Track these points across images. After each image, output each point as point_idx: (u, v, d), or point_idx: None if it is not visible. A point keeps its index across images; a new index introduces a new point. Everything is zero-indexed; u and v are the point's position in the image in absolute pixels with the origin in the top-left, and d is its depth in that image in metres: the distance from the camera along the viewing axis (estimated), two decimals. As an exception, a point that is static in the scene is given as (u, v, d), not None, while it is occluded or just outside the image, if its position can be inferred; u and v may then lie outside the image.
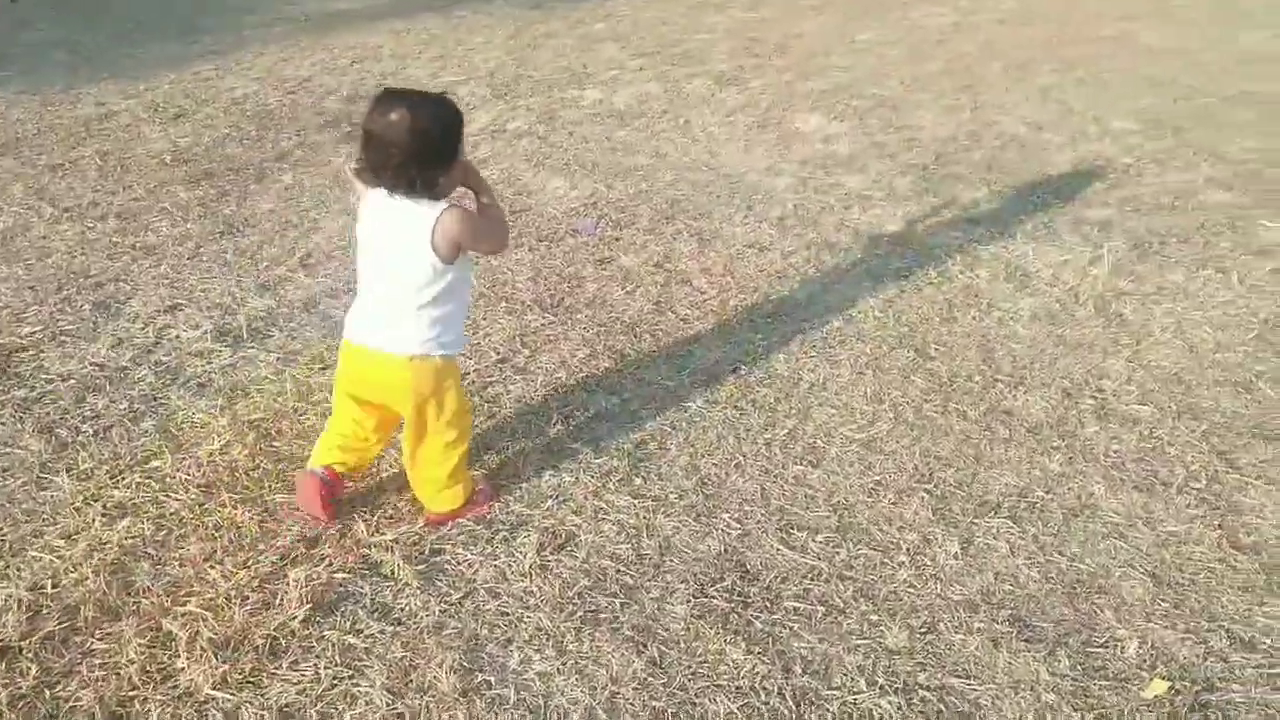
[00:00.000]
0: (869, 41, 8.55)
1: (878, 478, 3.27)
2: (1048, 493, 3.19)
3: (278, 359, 3.91)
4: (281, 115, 6.80)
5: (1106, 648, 2.63)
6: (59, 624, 2.68)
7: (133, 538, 3.00)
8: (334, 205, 5.34)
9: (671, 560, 2.93)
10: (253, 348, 3.99)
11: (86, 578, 2.84)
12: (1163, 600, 2.78)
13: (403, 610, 2.75)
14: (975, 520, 3.07)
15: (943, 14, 9.54)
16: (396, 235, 2.65)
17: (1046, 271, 4.57)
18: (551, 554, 2.95)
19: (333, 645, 2.62)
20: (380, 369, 2.81)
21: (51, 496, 3.16)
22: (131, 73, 7.67)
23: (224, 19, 9.36)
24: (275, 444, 3.42)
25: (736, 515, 3.11)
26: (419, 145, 2.50)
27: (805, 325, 4.16)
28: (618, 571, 2.89)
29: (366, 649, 2.62)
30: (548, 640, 2.66)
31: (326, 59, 8.09)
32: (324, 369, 3.84)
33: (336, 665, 2.57)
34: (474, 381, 3.75)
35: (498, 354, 3.95)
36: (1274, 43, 8.34)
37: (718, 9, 9.77)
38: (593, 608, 2.77)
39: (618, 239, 4.97)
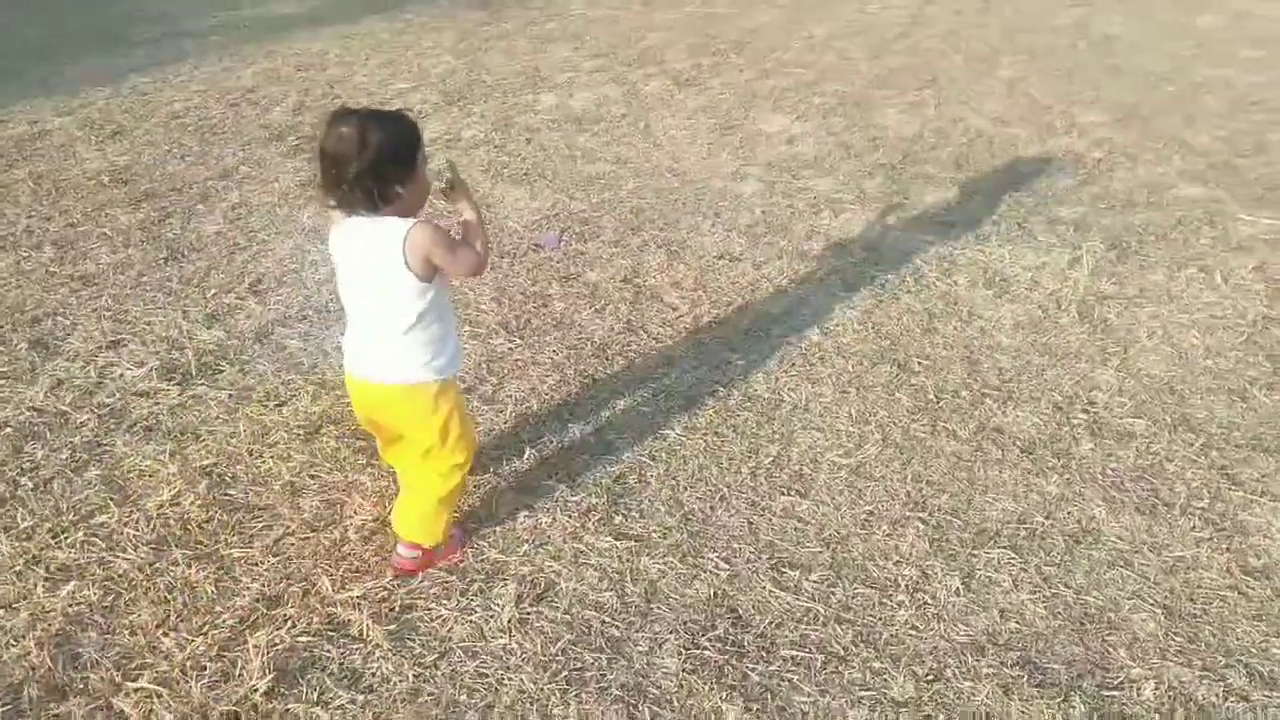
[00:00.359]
0: (826, 36, 8.41)
1: (869, 507, 3.11)
2: (1047, 518, 3.05)
3: (229, 397, 3.69)
4: (225, 129, 6.53)
5: (1122, 689, 2.50)
6: (1, 707, 2.46)
7: (78, 604, 2.79)
8: (284, 225, 5.11)
9: (659, 608, 2.76)
10: (202, 385, 3.76)
11: (30, 651, 2.63)
12: (1176, 634, 2.65)
13: (374, 676, 2.57)
14: (974, 551, 2.93)
15: (899, 5, 9.42)
16: (368, 257, 2.52)
17: (1025, 276, 4.45)
18: (531, 605, 2.77)
19: (299, 722, 2.43)
20: (382, 399, 2.69)
21: (-13, 562, 2.94)
22: (65, 88, 7.35)
23: (160, 28, 9.04)
24: (230, 492, 3.21)
25: (724, 554, 2.94)
26: (372, 158, 2.38)
27: (783, 341, 4.00)
28: (602, 623, 2.71)
29: (336, 725, 2.43)
30: (531, 705, 2.49)
31: (270, 68, 7.82)
32: (279, 405, 3.63)
33: (304, 746, 2.37)
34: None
35: (464, 383, 3.75)
36: (1232, 27, 8.30)
37: (670, 5, 9.59)
38: (578, 665, 2.59)
39: (583, 253, 4.78)
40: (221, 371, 3.86)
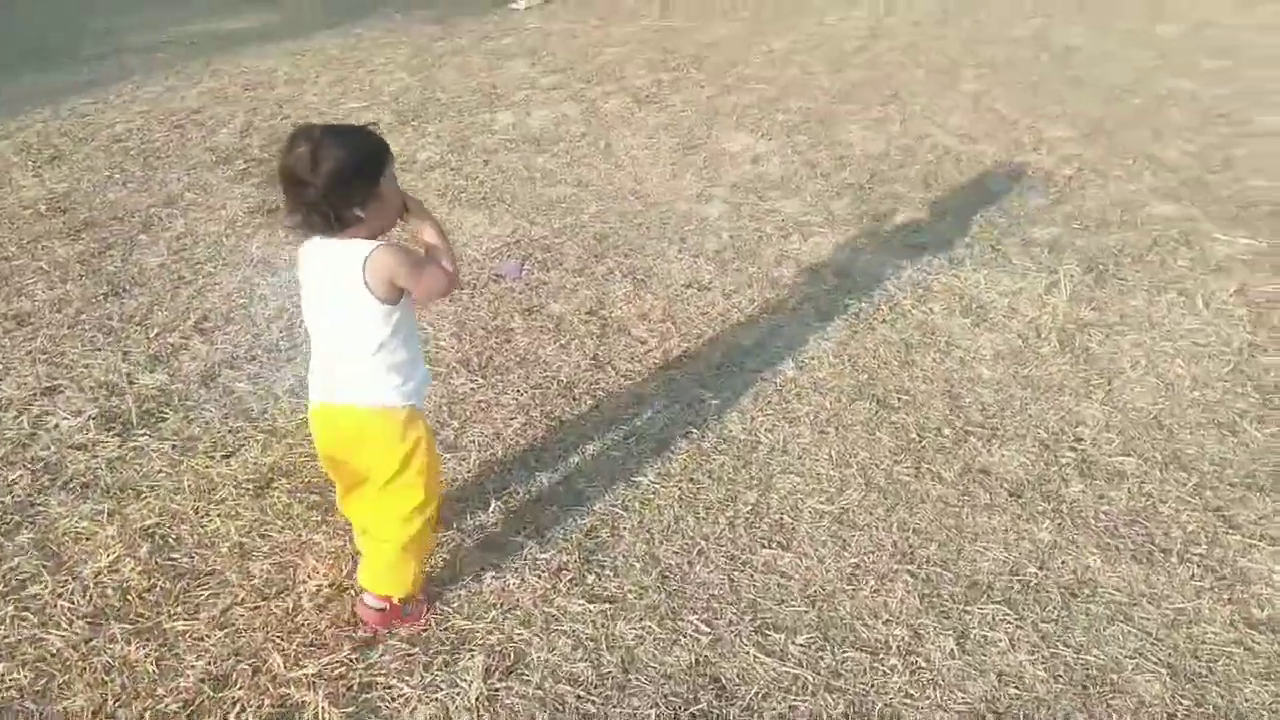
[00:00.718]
0: (786, 50, 8.28)
1: (855, 559, 2.95)
2: (1041, 568, 2.91)
3: (173, 448, 3.47)
4: (169, 153, 6.29)
5: (1133, 761, 2.35)
6: (-84, 815, 2.24)
7: (8, 688, 2.57)
8: (231, 256, 4.89)
9: (637, 679, 2.58)
10: (144, 435, 3.54)
11: (-48, 747, 2.40)
12: (1183, 697, 2.51)
13: (331, 766, 2.36)
14: (967, 607, 2.78)
15: (858, 17, 9.33)
16: (328, 279, 2.41)
17: (1002, 302, 4.32)
18: (500, 680, 2.58)
19: (250, 827, 2.22)
20: (349, 425, 2.52)
21: (-94, 645, 2.70)
22: (2, 109, 7.06)
23: (104, 45, 8.74)
24: (173, 556, 2.99)
25: (704, 615, 2.77)
26: (328, 178, 2.26)
27: (756, 376, 3.84)
28: (578, 698, 2.53)
29: (290, 828, 2.22)
30: (504, 796, 2.29)
31: (216, 87, 7.57)
32: (227, 457, 3.42)
33: None
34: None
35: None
36: (1192, 37, 8.27)
37: (629, 18, 9.43)
38: (553, 748, 2.41)
39: (545, 282, 4.60)
40: (165, 419, 3.63)
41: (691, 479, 3.30)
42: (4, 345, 4.13)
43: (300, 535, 3.07)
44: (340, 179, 2.27)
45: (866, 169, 5.83)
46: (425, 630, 2.73)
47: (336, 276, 2.38)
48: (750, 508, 3.17)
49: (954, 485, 3.25)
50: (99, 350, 4.08)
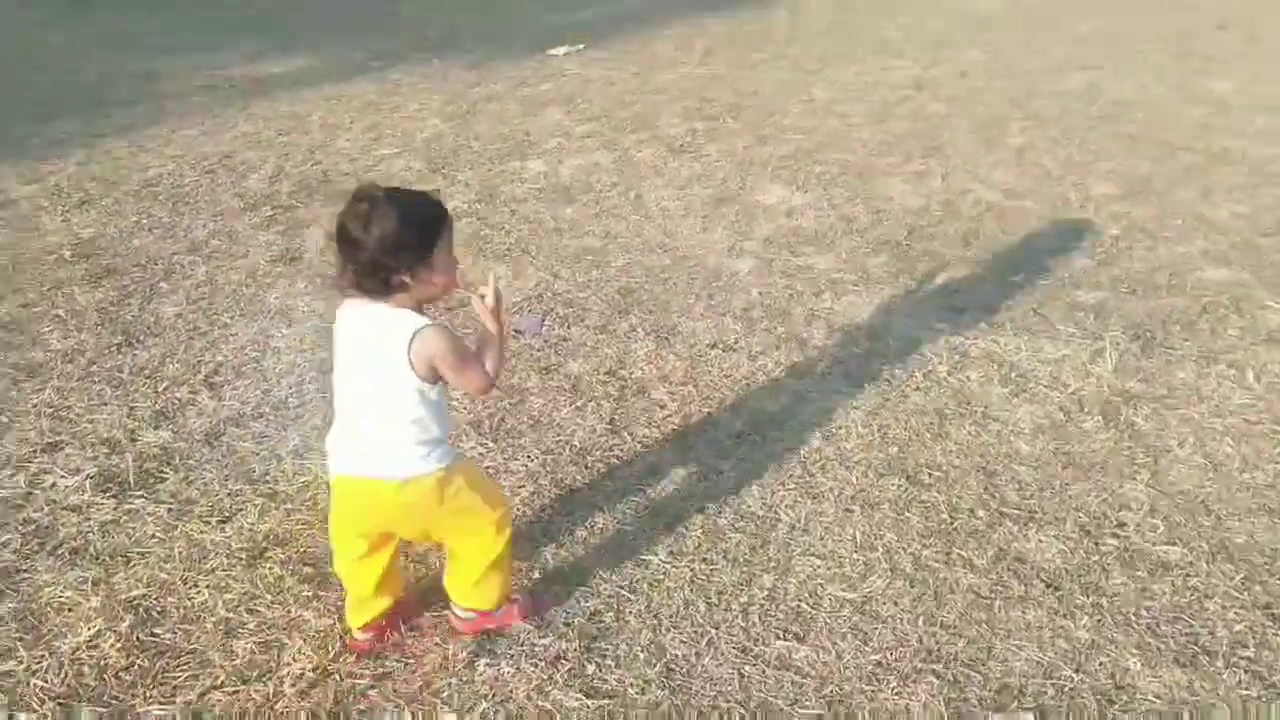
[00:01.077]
0: (827, 100, 8.14)
1: (877, 656, 2.75)
2: (1077, 670, 2.69)
3: (169, 512, 3.34)
4: (198, 198, 6.24)
5: None
6: None
7: (-31, 774, 2.41)
8: (249, 306, 4.79)
9: (634, 786, 2.38)
10: (140, 497, 3.41)
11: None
12: (1235, 826, 2.27)
13: None
14: (995, 715, 2.55)
15: (902, 67, 9.16)
16: (371, 344, 2.38)
17: (1044, 371, 4.10)
18: (487, 783, 2.39)
19: None
20: (378, 499, 2.50)
21: None
22: (36, 153, 7.07)
23: (141, 88, 8.77)
24: (156, 631, 2.85)
25: (710, 717, 2.56)
26: (377, 243, 2.24)
27: (779, 446, 3.65)
28: (569, 807, 2.33)
29: None
30: None
31: (250, 131, 7.54)
32: (223, 522, 3.28)
33: None
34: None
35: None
36: (1245, 93, 8.02)
37: (668, 65, 9.34)
38: None
39: (565, 339, 4.45)
40: (164, 480, 3.51)
41: (705, 559, 3.11)
42: (11, 397, 4.04)
43: (289, 611, 2.91)
44: (393, 243, 2.24)
45: (904, 225, 5.64)
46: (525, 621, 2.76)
47: (378, 342, 2.35)
48: (766, 593, 2.97)
49: (986, 574, 3.03)
50: (105, 405, 3.98)
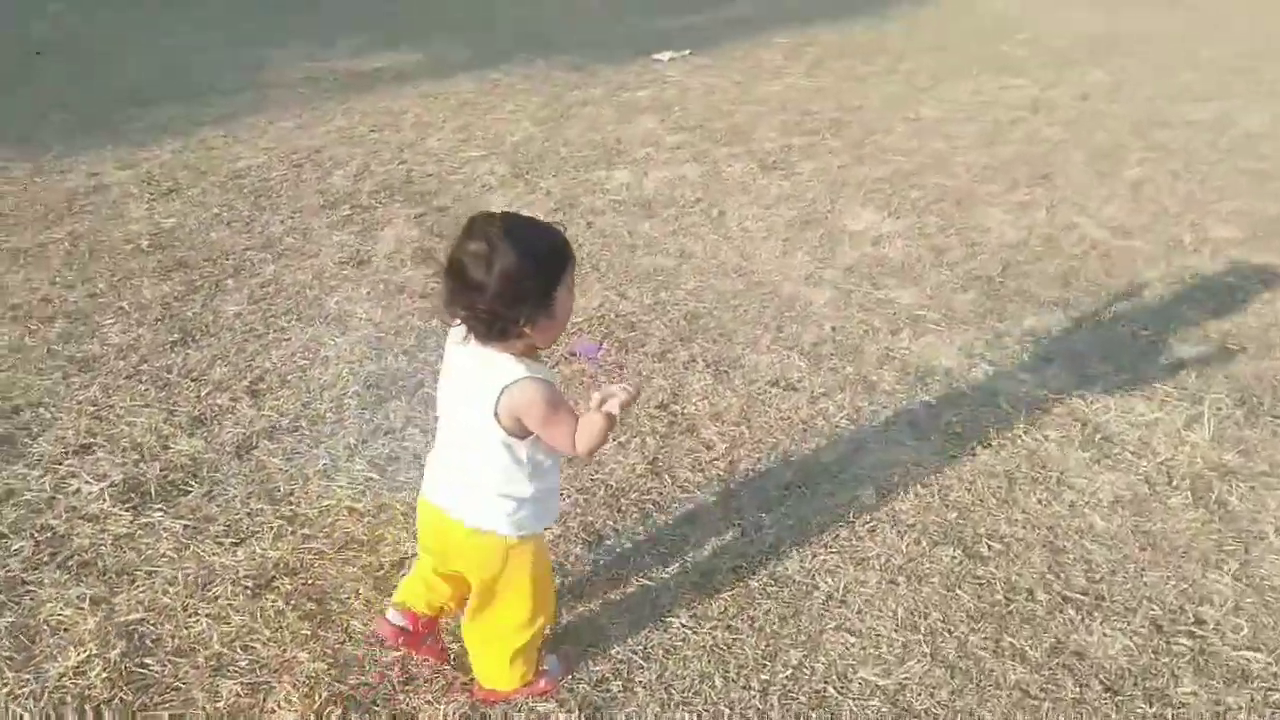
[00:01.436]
0: (934, 119, 7.77)
1: (902, 757, 2.48)
2: (1130, 796, 2.38)
3: (185, 528, 3.24)
4: (281, 193, 6.21)
5: None
6: None
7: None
8: (309, 309, 4.71)
9: None
10: (159, 510, 3.32)
11: None
12: None
13: None
14: (1030, 841, 2.27)
15: (1020, 86, 8.73)
16: (471, 382, 2.21)
17: (1132, 435, 3.75)
18: None
19: None
20: (447, 533, 2.40)
21: None
22: (135, 138, 7.15)
23: (246, 78, 8.83)
24: (146, 661, 2.74)
25: (710, 810, 2.34)
26: (496, 289, 2.03)
27: (829, 502, 3.40)
28: None
29: None
30: None
31: (345, 126, 7.52)
32: (236, 545, 3.17)
33: None
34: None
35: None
36: (1396, 131, 7.40)
37: (773, 75, 9.06)
38: None
39: (622, 366, 4.25)
40: (187, 493, 3.42)
41: (730, 626, 2.88)
42: (59, 392, 4.01)
43: (284, 651, 2.77)
44: (512, 294, 2.04)
45: (999, 260, 5.30)
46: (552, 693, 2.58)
47: (476, 383, 2.18)
48: (790, 671, 2.73)
49: (1039, 669, 2.73)
50: (147, 407, 3.92)
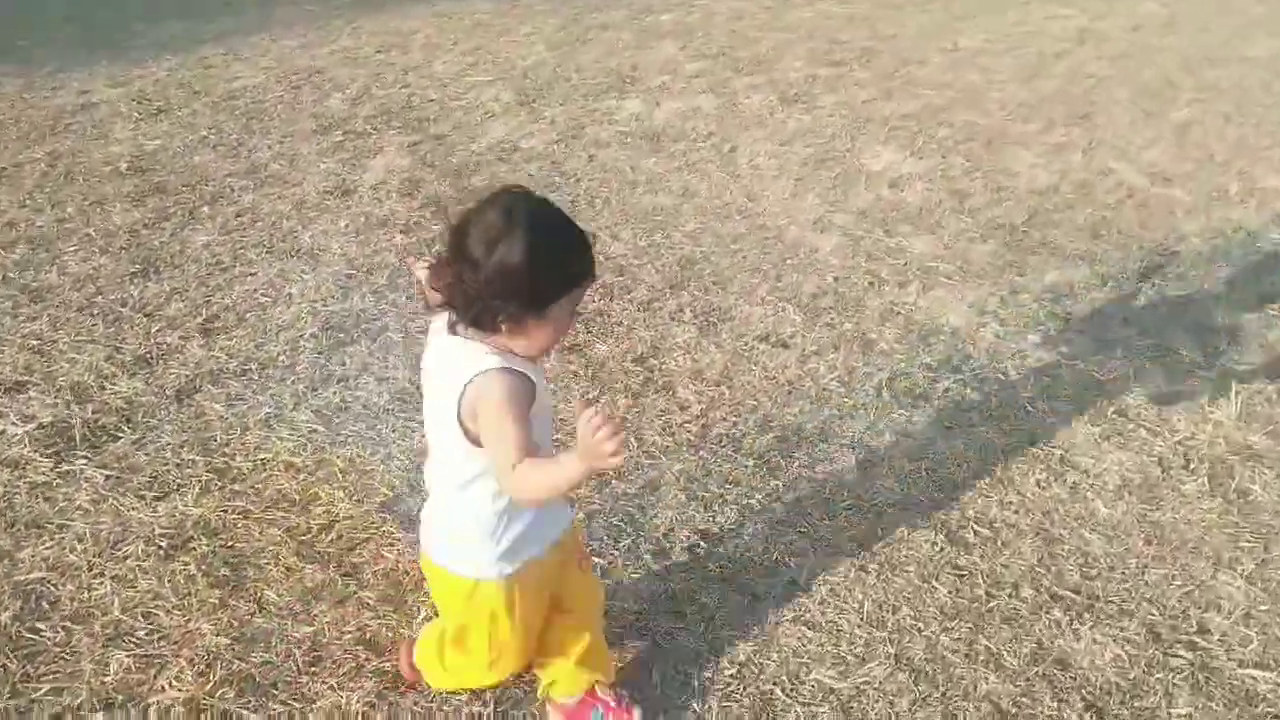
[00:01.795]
0: (973, 50, 7.29)
1: (847, 777, 2.21)
2: (1102, 835, 2.10)
3: (107, 479, 3.02)
4: (274, 115, 5.92)
5: None
6: None
7: None
8: (281, 243, 4.45)
9: None
10: (83, 458, 3.10)
11: None
12: None
13: None
14: None
15: (1068, 15, 8.19)
16: (435, 385, 1.92)
17: (1150, 410, 3.42)
18: None
19: None
20: (426, 564, 2.14)
21: None
22: (133, 55, 6.88)
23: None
24: (39, 626, 2.54)
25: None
26: (494, 269, 1.73)
27: (803, 476, 3.11)
28: None
29: None
30: None
31: (350, 46, 7.19)
32: (158, 499, 2.95)
33: None
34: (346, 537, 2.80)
35: (391, 490, 2.99)
36: None
37: (805, 1, 8.57)
38: None
39: (603, 314, 3.96)
40: (117, 439, 3.20)
41: (678, 611, 2.62)
42: (4, 324, 3.80)
43: (188, 620, 2.56)
44: (511, 284, 1.74)
45: (1026, 207, 4.91)
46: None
47: (446, 378, 1.86)
48: (736, 669, 2.46)
49: (1015, 678, 2.45)
50: (92, 343, 3.70)
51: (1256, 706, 2.39)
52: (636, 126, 5.82)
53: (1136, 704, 2.39)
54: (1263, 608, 2.66)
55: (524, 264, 1.72)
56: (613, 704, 2.27)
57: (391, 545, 2.79)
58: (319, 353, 3.65)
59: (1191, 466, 3.16)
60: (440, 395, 1.86)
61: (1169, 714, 2.37)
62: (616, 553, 2.81)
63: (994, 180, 5.20)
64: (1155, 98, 6.36)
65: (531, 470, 1.72)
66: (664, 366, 3.63)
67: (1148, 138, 5.75)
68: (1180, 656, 2.52)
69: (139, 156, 5.33)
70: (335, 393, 3.45)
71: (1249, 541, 2.88)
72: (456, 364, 1.83)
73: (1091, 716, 2.36)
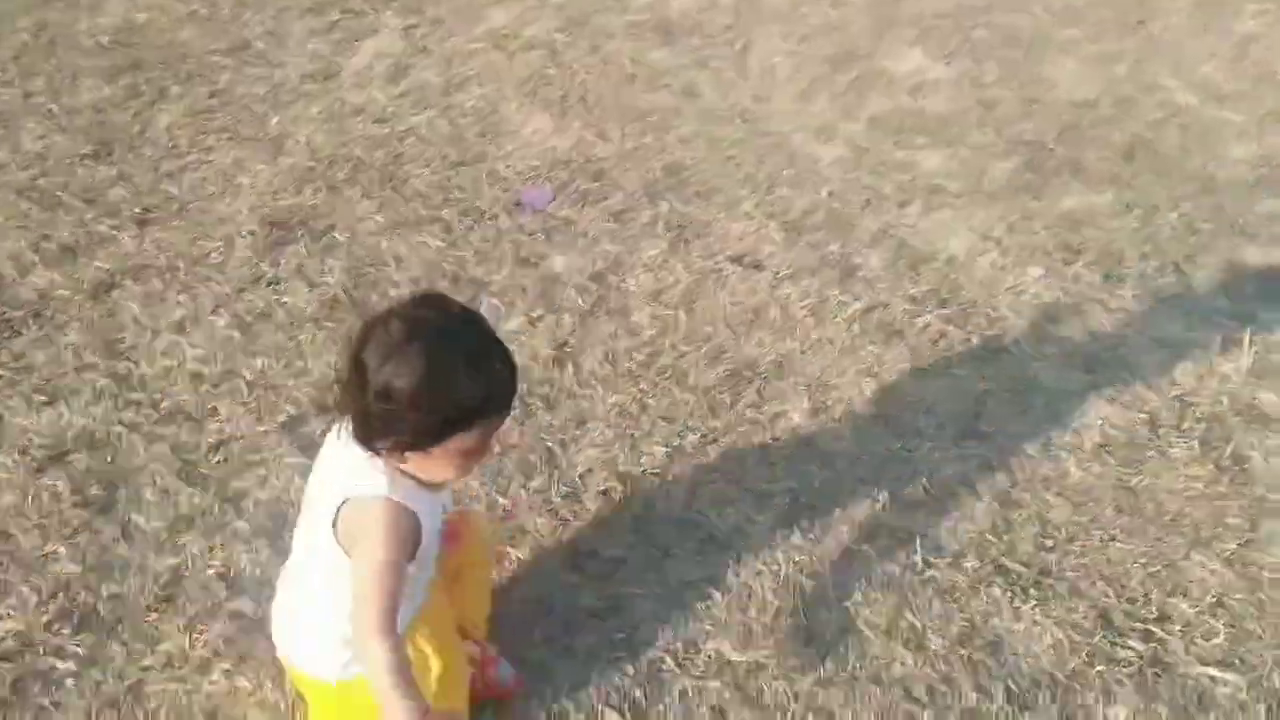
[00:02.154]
0: (1034, -55, 6.68)
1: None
2: None
3: (-1, 380, 2.83)
4: (271, -12, 5.59)
5: None
6: None
7: None
8: (246, 129, 4.20)
9: None
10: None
11: None
12: None
13: None
14: None
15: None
16: (323, 478, 1.78)
17: (1151, 356, 3.07)
18: None
19: None
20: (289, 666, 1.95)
21: None
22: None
23: None
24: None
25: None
26: (376, 394, 1.55)
27: (749, 416, 2.84)
28: None
29: None
30: None
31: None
32: (47, 403, 2.80)
33: None
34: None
35: (298, 409, 2.77)
36: None
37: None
38: None
39: (571, 223, 3.67)
40: (19, 336, 3.06)
41: (576, 566, 2.38)
42: (-77, 213, 3.60)
43: (44, 544, 2.39)
44: (397, 410, 1.55)
45: (1058, 122, 4.47)
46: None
47: (330, 479, 1.73)
48: (626, 634, 2.24)
49: (935, 662, 2.19)
50: (21, 229, 3.51)
51: (1208, 713, 2.10)
52: (649, 16, 5.40)
53: (1068, 700, 2.12)
54: (1237, 596, 2.35)
55: (408, 392, 1.52)
56: (477, 654, 2.05)
57: (280, 473, 2.57)
58: (253, 252, 3.41)
59: (1185, 425, 2.82)
60: (318, 500, 1.72)
61: (1103, 714, 2.09)
62: (525, 492, 2.56)
63: (1028, 91, 4.75)
64: (1219, 5, 5.77)
65: (379, 657, 1.52)
66: (622, 285, 3.35)
67: (1204, 50, 5.20)
68: (1130, 648, 2.23)
69: (124, 30, 5.06)
70: (261, 297, 3.22)
71: (1235, 518, 2.55)
72: (339, 472, 1.68)
73: (1012, 711, 2.08)
